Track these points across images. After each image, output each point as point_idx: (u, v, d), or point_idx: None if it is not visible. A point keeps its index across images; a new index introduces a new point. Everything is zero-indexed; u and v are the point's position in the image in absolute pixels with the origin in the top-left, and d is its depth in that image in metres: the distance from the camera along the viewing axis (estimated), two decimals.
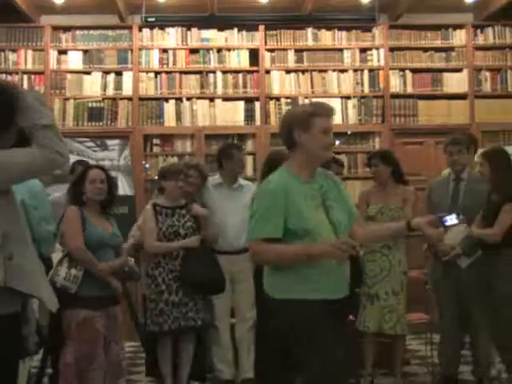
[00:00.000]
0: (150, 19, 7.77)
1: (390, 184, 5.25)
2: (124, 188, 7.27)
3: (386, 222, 5.00)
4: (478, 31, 8.05)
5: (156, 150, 7.78)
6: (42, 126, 2.64)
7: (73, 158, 7.07)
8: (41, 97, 2.82)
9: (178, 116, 7.76)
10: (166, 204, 4.93)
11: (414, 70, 7.98)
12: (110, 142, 7.51)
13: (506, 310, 4.61)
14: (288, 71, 7.91)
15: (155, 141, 7.78)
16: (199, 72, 7.85)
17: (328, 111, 3.23)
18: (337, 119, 7.84)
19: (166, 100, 7.79)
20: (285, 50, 7.91)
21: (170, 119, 7.76)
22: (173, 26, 7.85)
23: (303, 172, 3.15)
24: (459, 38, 8.03)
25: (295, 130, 3.12)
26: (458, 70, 8.02)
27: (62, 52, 7.81)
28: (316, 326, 2.94)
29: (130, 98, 7.74)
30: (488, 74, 8.02)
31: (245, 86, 7.85)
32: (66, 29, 7.82)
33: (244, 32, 7.89)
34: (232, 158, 5.36)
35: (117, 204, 4.71)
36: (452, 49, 8.03)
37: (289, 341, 3.02)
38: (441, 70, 8.02)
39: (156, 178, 5.61)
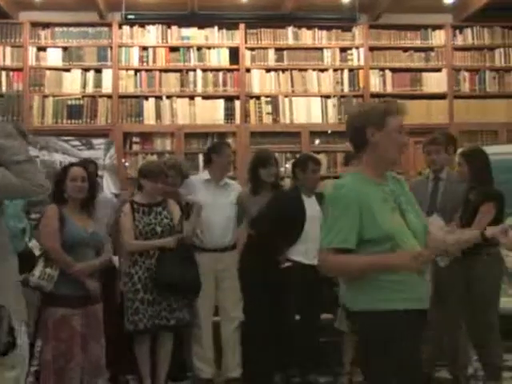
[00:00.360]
0: (129, 16, 7.74)
1: None
2: (109, 186, 7.22)
3: None
4: (457, 32, 8.13)
5: (136, 148, 7.76)
6: (17, 161, 2.59)
7: (58, 157, 7.08)
8: (8, 129, 2.73)
9: (158, 114, 7.75)
10: (143, 201, 4.91)
11: (394, 70, 8.03)
12: (95, 141, 7.44)
13: (483, 309, 4.65)
14: (268, 70, 7.93)
15: (135, 139, 7.76)
16: (179, 70, 7.84)
17: (402, 109, 3.02)
18: (316, 118, 7.87)
19: (146, 98, 7.77)
20: (265, 48, 7.92)
21: (149, 117, 7.74)
22: (153, 23, 7.84)
23: (375, 173, 2.95)
24: (438, 38, 8.10)
25: (368, 128, 2.90)
26: (437, 70, 8.08)
27: (41, 49, 7.77)
28: (397, 339, 2.76)
29: (109, 96, 7.71)
30: (467, 74, 8.10)
31: (225, 85, 7.85)
32: (45, 25, 7.77)
33: (224, 30, 7.89)
34: (222, 154, 5.36)
35: None
36: (431, 49, 8.10)
37: (367, 353, 2.87)
38: (420, 70, 8.08)
39: (136, 176, 5.56)
